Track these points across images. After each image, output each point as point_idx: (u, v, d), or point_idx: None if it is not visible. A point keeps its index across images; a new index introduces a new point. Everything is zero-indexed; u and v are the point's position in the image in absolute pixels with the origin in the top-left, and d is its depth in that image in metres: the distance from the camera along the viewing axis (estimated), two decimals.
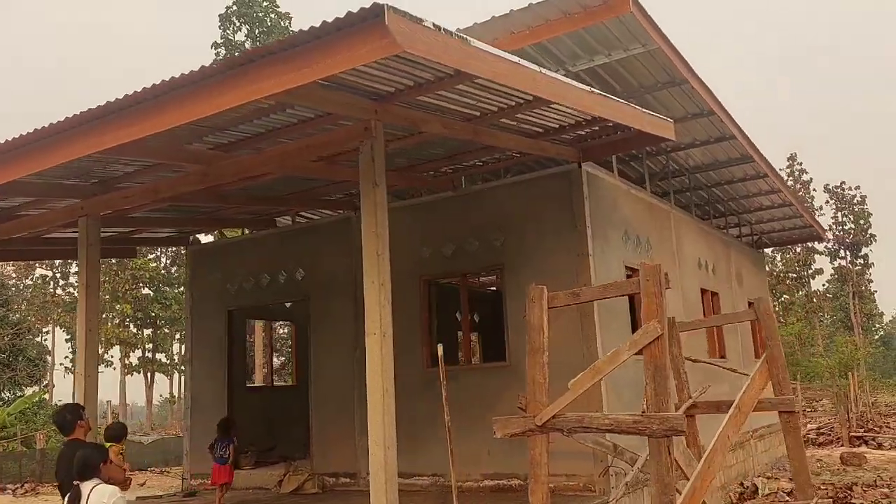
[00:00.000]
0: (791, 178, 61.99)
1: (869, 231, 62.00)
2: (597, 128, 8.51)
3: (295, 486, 10.67)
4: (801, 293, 61.25)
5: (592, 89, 7.07)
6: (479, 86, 6.29)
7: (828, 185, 62.86)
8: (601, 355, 9.41)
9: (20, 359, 33.48)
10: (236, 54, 4.89)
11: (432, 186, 10.67)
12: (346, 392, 11.12)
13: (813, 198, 61.37)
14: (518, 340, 10.06)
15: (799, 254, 61.61)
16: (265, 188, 9.69)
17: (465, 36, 5.17)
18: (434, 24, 4.79)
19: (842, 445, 19.05)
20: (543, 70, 6.15)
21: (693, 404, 8.42)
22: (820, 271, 61.60)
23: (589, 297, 5.92)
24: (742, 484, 13.19)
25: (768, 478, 14.20)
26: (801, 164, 62.20)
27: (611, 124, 8.13)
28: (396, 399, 10.98)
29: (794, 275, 61.44)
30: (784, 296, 61.33)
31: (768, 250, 62.30)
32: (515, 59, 5.74)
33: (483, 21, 8.95)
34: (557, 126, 8.34)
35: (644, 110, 8.21)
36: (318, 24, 4.62)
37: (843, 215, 62.69)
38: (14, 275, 43.76)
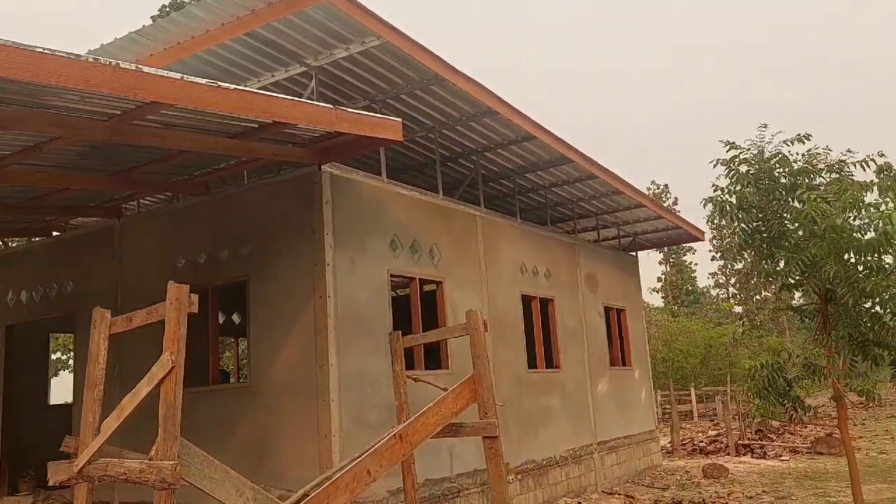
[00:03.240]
0: None
1: None
2: (332, 132, 7.69)
3: None
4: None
5: (219, 84, 6.26)
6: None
7: None
8: (335, 376, 8.66)
9: None
10: None
11: (184, 191, 9.91)
12: (105, 414, 10.33)
13: None
14: (259, 362, 9.28)
15: None
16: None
17: None
18: None
19: (728, 454, 18.31)
20: (103, 59, 5.37)
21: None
22: None
23: (140, 322, 5.17)
24: None
25: (609, 493, 13.45)
26: None
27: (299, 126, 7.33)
28: (145, 419, 10.34)
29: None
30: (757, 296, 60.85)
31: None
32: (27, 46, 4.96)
33: (183, 10, 8.15)
34: (256, 126, 7.57)
35: (337, 109, 7.39)
36: None
37: None
38: None
